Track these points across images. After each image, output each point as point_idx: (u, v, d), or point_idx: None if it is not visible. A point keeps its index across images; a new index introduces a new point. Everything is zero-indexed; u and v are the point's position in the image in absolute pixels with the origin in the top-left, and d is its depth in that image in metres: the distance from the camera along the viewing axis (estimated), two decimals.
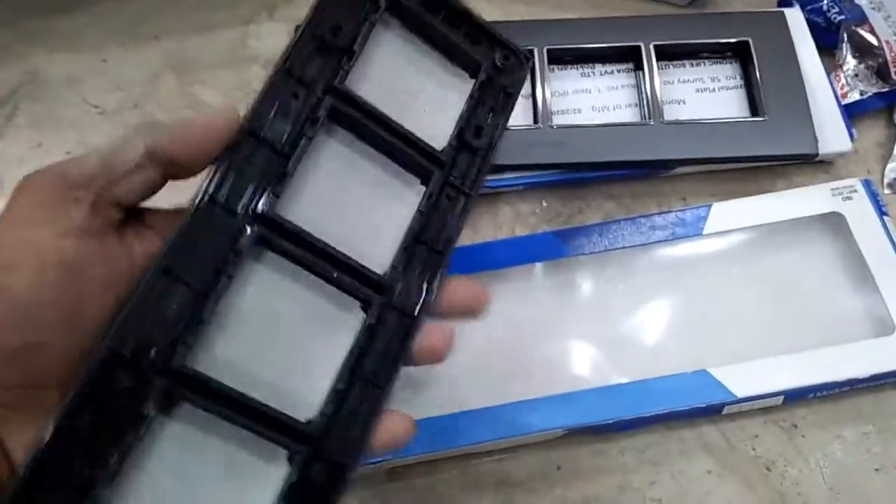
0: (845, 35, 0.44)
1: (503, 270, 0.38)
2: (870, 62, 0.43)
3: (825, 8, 0.45)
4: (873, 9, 0.44)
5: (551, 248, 0.39)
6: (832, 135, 0.41)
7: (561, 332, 0.38)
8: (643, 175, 0.42)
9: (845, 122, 0.41)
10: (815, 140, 0.40)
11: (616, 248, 0.38)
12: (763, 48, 0.42)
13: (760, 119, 0.40)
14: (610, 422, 0.35)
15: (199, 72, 0.48)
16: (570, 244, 0.39)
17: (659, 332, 0.38)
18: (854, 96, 0.43)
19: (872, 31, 0.44)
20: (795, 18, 0.44)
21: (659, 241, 0.39)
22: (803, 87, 0.41)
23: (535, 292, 0.39)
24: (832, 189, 0.39)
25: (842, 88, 0.43)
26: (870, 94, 0.43)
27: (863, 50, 0.44)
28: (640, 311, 0.38)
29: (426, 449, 0.35)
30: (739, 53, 0.43)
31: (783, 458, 0.36)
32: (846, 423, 0.36)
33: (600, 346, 0.37)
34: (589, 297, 0.39)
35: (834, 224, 0.39)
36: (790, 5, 0.45)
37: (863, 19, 0.44)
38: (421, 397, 0.37)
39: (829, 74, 0.43)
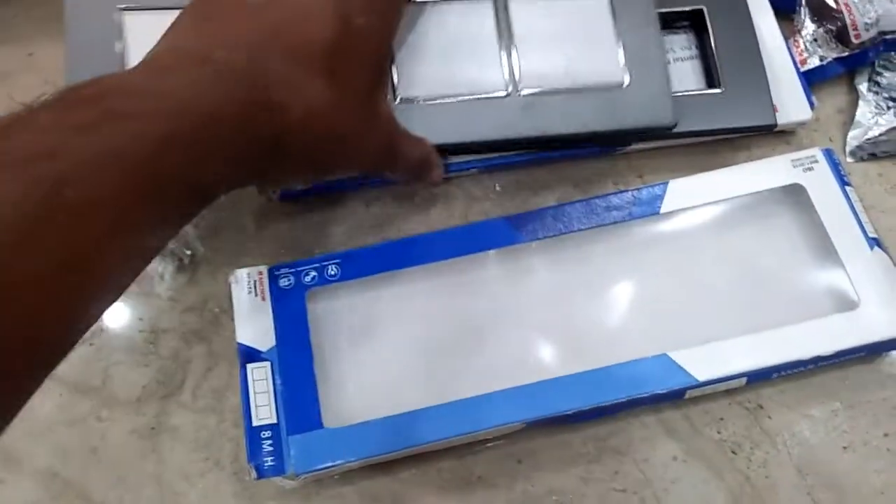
0: None
1: (455, 260, 0.37)
2: (829, 26, 0.42)
3: None
4: None
5: (504, 234, 0.37)
6: (791, 104, 0.39)
7: (517, 322, 0.36)
8: (598, 153, 0.41)
9: (805, 90, 0.40)
10: (774, 111, 0.39)
11: (571, 232, 0.37)
12: (718, 16, 0.40)
13: (717, 91, 0.39)
14: (570, 413, 0.33)
15: None
16: (524, 230, 0.37)
17: (617, 317, 0.36)
18: (814, 62, 0.42)
19: None
20: None
21: (615, 222, 0.37)
22: (760, 56, 0.39)
23: (489, 282, 0.37)
24: (792, 160, 0.38)
25: (801, 54, 0.42)
26: (830, 59, 0.42)
27: (822, 13, 0.42)
28: (597, 296, 0.37)
29: (381, 450, 0.33)
30: (694, 23, 0.42)
31: (749, 441, 0.35)
32: (813, 401, 0.35)
33: (558, 335, 0.36)
34: (545, 285, 0.37)
35: (795, 196, 0.37)
36: None
37: None
38: (373, 397, 0.35)
39: (787, 40, 0.42)
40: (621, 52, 0.37)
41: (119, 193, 0.21)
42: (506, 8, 0.37)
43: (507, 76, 0.36)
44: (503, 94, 0.36)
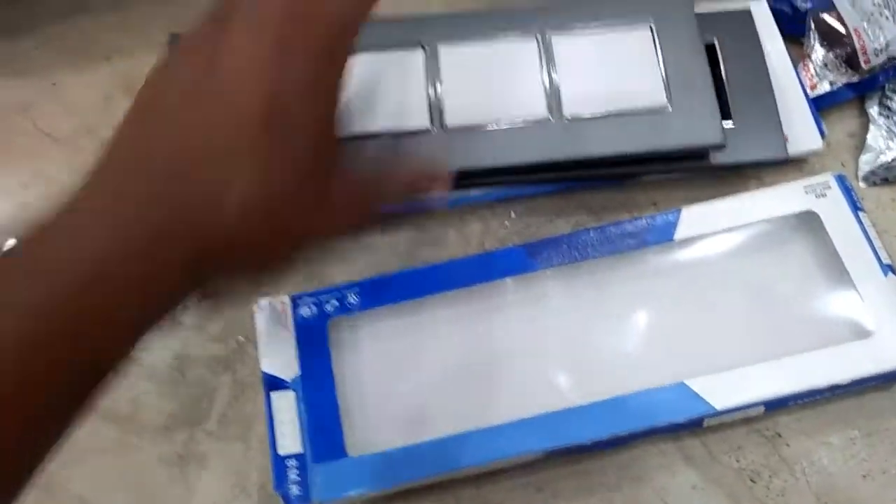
0: (812, 23, 0.43)
1: (473, 288, 0.37)
2: (839, 51, 0.42)
3: None
4: None
5: (520, 262, 0.38)
6: (802, 134, 0.40)
7: (535, 350, 0.37)
8: (612, 182, 0.41)
9: (815, 119, 0.40)
10: (785, 144, 0.39)
11: (587, 259, 0.37)
12: (729, 50, 0.41)
13: (729, 125, 0.39)
14: (588, 442, 0.34)
15: None
16: (540, 257, 0.37)
17: (633, 345, 0.37)
18: (824, 87, 0.42)
19: (840, 19, 0.42)
20: (761, 13, 0.42)
21: (630, 250, 0.38)
22: (771, 89, 0.40)
23: (507, 309, 0.38)
24: (805, 186, 0.38)
25: (810, 79, 0.42)
26: (840, 84, 0.42)
27: (831, 39, 0.43)
28: (613, 323, 0.37)
29: (403, 479, 0.34)
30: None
31: (768, 469, 0.35)
32: (831, 429, 0.36)
33: (574, 363, 0.36)
34: (561, 312, 0.38)
35: (808, 223, 0.38)
36: None
37: (829, 6, 0.43)
38: (394, 425, 0.36)
39: (797, 65, 0.42)
40: (665, 77, 0.39)
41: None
42: (549, 42, 0.40)
43: (550, 103, 0.39)
44: (547, 119, 0.38)
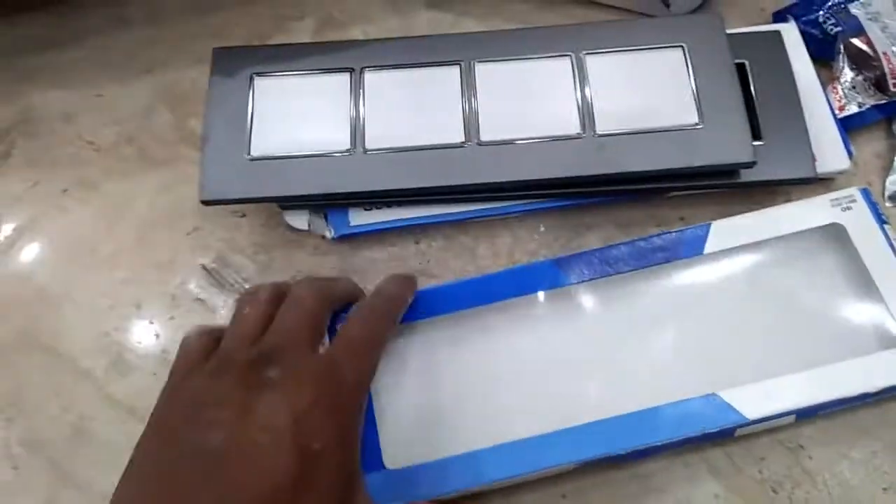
0: (842, 47, 0.44)
1: (504, 302, 0.38)
2: (867, 74, 0.43)
3: (821, 20, 0.45)
4: (870, 20, 0.44)
5: (551, 276, 0.38)
6: (830, 154, 0.40)
7: (566, 363, 0.38)
8: (641, 196, 0.42)
9: (844, 140, 0.41)
10: (813, 163, 0.40)
11: (617, 273, 0.38)
12: (759, 70, 0.41)
13: (758, 143, 0.40)
14: (622, 453, 0.34)
15: (193, 104, 0.48)
16: (570, 272, 0.38)
17: (665, 357, 0.37)
18: (852, 108, 0.43)
19: (869, 43, 0.43)
20: (791, 35, 0.43)
21: (660, 263, 0.38)
22: (801, 109, 0.41)
23: (538, 323, 0.39)
24: (831, 200, 0.39)
25: (839, 101, 0.43)
26: (868, 106, 0.43)
27: (860, 62, 0.43)
28: (644, 336, 0.38)
29: (439, 491, 0.34)
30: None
31: (790, 480, 0.36)
32: (853, 441, 0.36)
33: (606, 375, 0.37)
34: (592, 325, 0.38)
35: (835, 235, 0.39)
36: (785, 20, 0.44)
37: (859, 30, 0.44)
38: (430, 438, 0.36)
39: (825, 87, 0.43)
40: (697, 96, 0.39)
41: None
42: (582, 60, 0.41)
43: (583, 120, 0.40)
44: (579, 135, 0.39)
